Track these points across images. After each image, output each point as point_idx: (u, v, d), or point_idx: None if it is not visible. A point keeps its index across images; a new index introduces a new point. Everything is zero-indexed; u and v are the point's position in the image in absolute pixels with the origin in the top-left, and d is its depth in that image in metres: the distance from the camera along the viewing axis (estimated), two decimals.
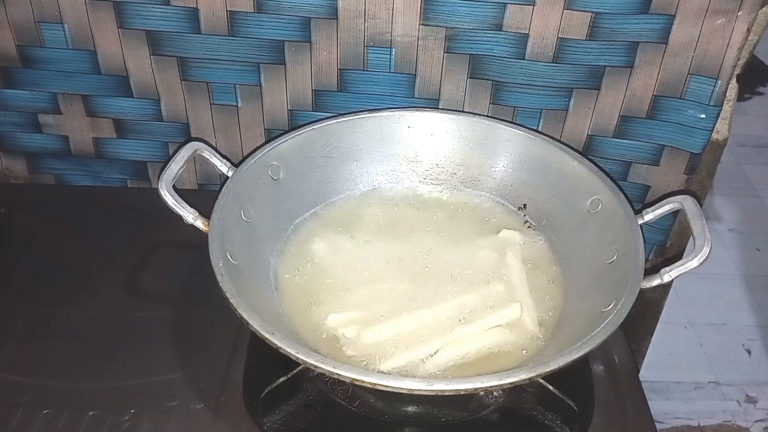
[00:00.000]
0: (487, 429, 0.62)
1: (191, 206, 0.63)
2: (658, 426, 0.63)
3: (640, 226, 0.64)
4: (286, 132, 0.74)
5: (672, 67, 0.72)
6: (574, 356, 0.52)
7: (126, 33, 0.74)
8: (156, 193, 0.62)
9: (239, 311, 0.54)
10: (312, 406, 0.62)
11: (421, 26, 0.73)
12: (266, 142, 0.73)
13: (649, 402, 0.63)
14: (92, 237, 0.79)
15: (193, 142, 0.69)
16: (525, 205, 0.75)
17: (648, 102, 0.75)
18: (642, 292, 0.58)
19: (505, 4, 0.70)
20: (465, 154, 0.77)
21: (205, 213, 0.63)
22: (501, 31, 0.72)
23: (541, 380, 0.59)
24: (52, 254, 0.77)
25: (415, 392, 0.50)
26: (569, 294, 0.66)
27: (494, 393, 0.63)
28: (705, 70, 0.72)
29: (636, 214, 0.65)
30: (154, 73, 0.77)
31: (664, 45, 0.71)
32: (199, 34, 0.74)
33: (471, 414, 0.62)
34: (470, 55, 0.74)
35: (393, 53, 0.75)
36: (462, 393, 0.53)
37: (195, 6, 0.72)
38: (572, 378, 0.63)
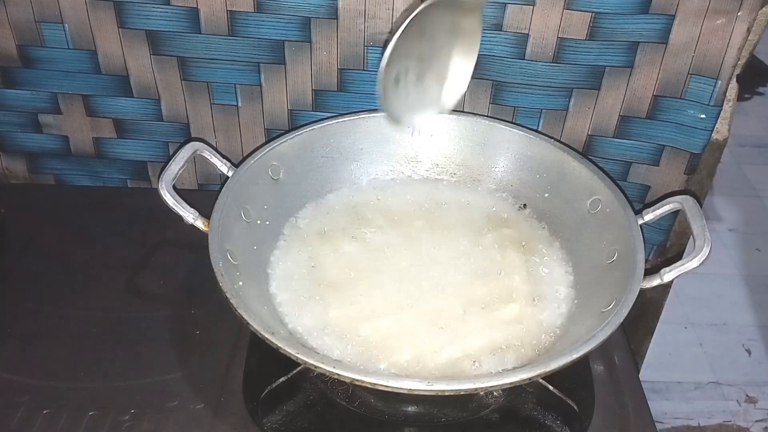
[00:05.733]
0: (487, 429, 0.62)
1: (191, 206, 0.63)
2: (658, 426, 0.63)
3: (640, 226, 0.64)
4: (286, 132, 0.74)
5: (672, 67, 0.72)
6: (574, 356, 0.52)
7: (126, 33, 0.74)
8: (156, 193, 0.62)
9: (239, 311, 0.54)
10: (312, 406, 0.62)
11: None
12: (266, 142, 0.73)
13: (649, 402, 0.63)
14: (92, 237, 0.79)
15: (193, 142, 0.69)
16: (525, 205, 0.75)
17: (648, 102, 0.75)
18: (642, 292, 0.58)
19: (505, 4, 0.70)
20: (465, 154, 0.77)
21: (205, 213, 0.63)
22: (501, 31, 0.72)
23: (541, 380, 0.59)
24: (52, 254, 0.77)
25: (415, 392, 0.50)
26: (569, 293, 0.66)
27: (494, 393, 0.63)
28: (705, 70, 0.72)
29: (636, 214, 0.65)
30: (155, 72, 0.77)
31: (664, 45, 0.71)
32: (200, 34, 0.74)
33: (471, 414, 0.62)
34: None
35: None
36: (462, 393, 0.53)
37: (195, 6, 0.72)
38: (572, 378, 0.63)
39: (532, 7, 0.70)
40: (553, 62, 0.73)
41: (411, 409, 0.63)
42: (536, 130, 0.77)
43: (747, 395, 1.46)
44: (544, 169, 0.73)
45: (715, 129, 0.75)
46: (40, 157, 0.85)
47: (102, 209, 0.83)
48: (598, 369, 0.66)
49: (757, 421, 1.41)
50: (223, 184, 0.67)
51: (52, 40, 0.75)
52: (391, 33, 0.73)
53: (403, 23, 0.54)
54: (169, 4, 0.72)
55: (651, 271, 0.59)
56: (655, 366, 1.44)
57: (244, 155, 0.78)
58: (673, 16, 0.69)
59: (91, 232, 0.80)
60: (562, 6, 0.69)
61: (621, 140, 0.79)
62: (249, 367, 0.64)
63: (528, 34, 0.72)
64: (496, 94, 0.77)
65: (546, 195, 0.73)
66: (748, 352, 1.55)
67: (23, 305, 0.70)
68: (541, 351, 0.61)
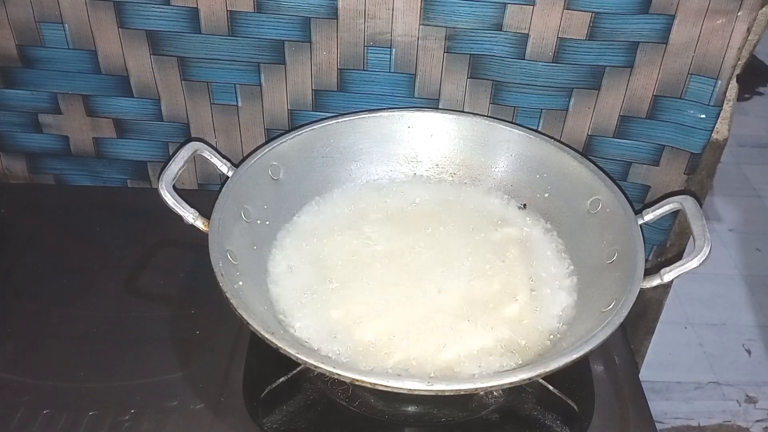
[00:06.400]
0: (487, 429, 0.62)
1: (191, 206, 0.63)
2: (658, 426, 0.63)
3: (640, 226, 0.64)
4: (286, 132, 0.74)
5: (672, 67, 0.72)
6: (574, 356, 0.52)
7: (126, 33, 0.74)
8: (156, 193, 0.62)
9: (239, 311, 0.54)
10: (312, 406, 0.62)
11: (421, 26, 0.73)
12: (266, 142, 0.73)
13: (649, 402, 0.63)
14: (92, 237, 0.79)
15: (193, 142, 0.69)
16: (525, 205, 0.75)
17: (648, 102, 0.75)
18: (642, 292, 0.58)
19: (505, 4, 0.70)
20: (465, 154, 0.77)
21: (205, 213, 0.63)
22: (501, 31, 0.72)
23: (541, 380, 0.59)
24: (52, 254, 0.77)
25: (415, 392, 0.50)
26: (569, 293, 0.66)
27: (494, 393, 0.63)
28: (705, 70, 0.72)
29: (636, 214, 0.65)
30: (155, 72, 0.77)
31: (664, 45, 0.71)
32: (200, 33, 0.74)
33: (471, 414, 0.62)
34: (470, 55, 0.74)
35: (393, 53, 0.75)
36: (462, 393, 0.53)
37: (195, 6, 0.72)
38: (572, 378, 0.63)
39: (532, 7, 0.70)
40: (553, 62, 0.73)
41: (411, 409, 0.63)
42: (536, 130, 0.77)
43: (747, 395, 1.46)
44: (544, 169, 0.73)
45: (715, 129, 0.75)
46: (40, 157, 0.85)
47: (102, 209, 0.83)
48: (598, 369, 0.66)
49: (757, 421, 1.41)
50: (223, 184, 0.67)
51: (52, 40, 0.75)
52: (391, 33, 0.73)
53: None
54: (169, 4, 0.72)
55: (651, 271, 0.59)
56: (655, 366, 1.45)
57: (244, 155, 0.78)
58: (673, 16, 0.69)
59: (91, 232, 0.80)
60: (562, 6, 0.69)
61: (621, 140, 0.79)
62: (249, 367, 0.64)
63: (528, 34, 0.72)
64: (496, 94, 0.77)
65: (546, 195, 0.73)
66: (748, 352, 1.55)
67: (23, 305, 0.70)
68: (541, 351, 0.61)
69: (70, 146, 0.84)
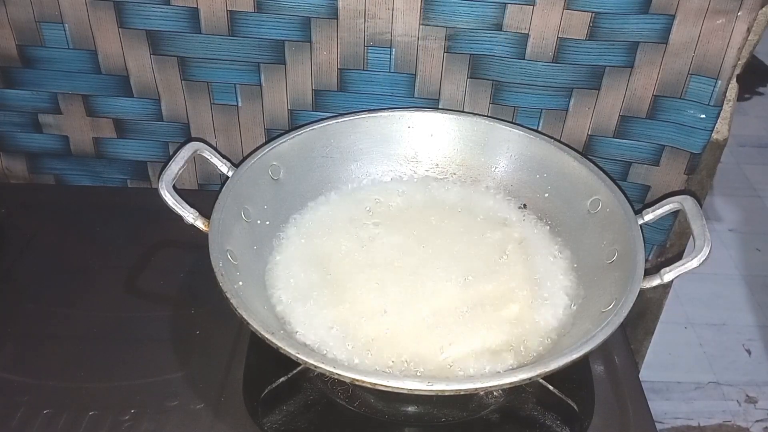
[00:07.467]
0: (487, 429, 0.62)
1: (191, 206, 0.63)
2: (658, 426, 0.63)
3: (640, 226, 0.64)
4: (286, 132, 0.74)
5: (672, 67, 0.72)
6: (574, 356, 0.52)
7: (126, 33, 0.74)
8: (156, 193, 0.62)
9: (239, 311, 0.54)
10: (312, 406, 0.62)
11: (421, 26, 0.73)
12: (266, 142, 0.73)
13: (649, 402, 0.63)
14: (92, 237, 0.79)
15: (193, 142, 0.69)
16: (525, 205, 0.75)
17: (648, 102, 0.75)
18: (642, 292, 0.58)
19: (505, 4, 0.70)
20: (465, 154, 0.77)
21: (205, 213, 0.63)
22: (501, 31, 0.72)
23: (541, 380, 0.59)
24: (52, 254, 0.77)
25: (415, 392, 0.50)
26: (569, 293, 0.66)
27: (494, 393, 0.63)
28: (705, 70, 0.72)
29: (636, 214, 0.65)
30: (155, 72, 0.77)
31: (664, 45, 0.71)
32: (200, 33, 0.74)
33: (471, 414, 0.62)
34: (470, 55, 0.74)
35: (393, 53, 0.75)
36: (462, 393, 0.53)
37: (195, 6, 0.72)
38: (572, 378, 0.63)
39: (532, 7, 0.70)
40: (553, 62, 0.73)
41: (411, 409, 0.63)
42: (536, 130, 0.77)
43: (747, 395, 1.46)
44: (544, 169, 0.73)
45: (715, 129, 0.75)
46: (40, 157, 0.85)
47: (102, 209, 0.83)
48: (598, 369, 0.66)
49: (757, 421, 1.41)
50: (223, 184, 0.67)
51: (52, 40, 0.75)
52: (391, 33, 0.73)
53: None
54: (169, 4, 0.72)
55: (651, 271, 0.59)
56: (655, 366, 1.45)
57: (244, 155, 0.78)
58: (673, 16, 0.69)
59: (91, 232, 0.80)
60: (562, 6, 0.70)
61: (621, 140, 0.79)
62: (249, 367, 0.64)
63: (528, 34, 0.72)
64: (496, 94, 0.77)
65: (546, 195, 0.73)
66: (748, 352, 1.55)
67: (23, 305, 0.70)
68: (541, 351, 0.61)
69: (70, 146, 0.84)
